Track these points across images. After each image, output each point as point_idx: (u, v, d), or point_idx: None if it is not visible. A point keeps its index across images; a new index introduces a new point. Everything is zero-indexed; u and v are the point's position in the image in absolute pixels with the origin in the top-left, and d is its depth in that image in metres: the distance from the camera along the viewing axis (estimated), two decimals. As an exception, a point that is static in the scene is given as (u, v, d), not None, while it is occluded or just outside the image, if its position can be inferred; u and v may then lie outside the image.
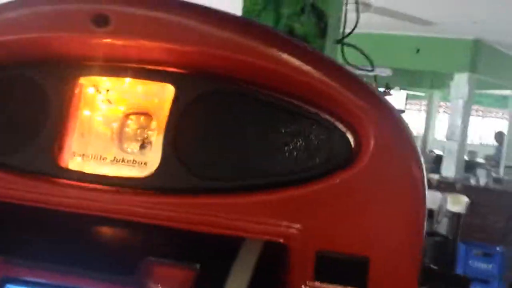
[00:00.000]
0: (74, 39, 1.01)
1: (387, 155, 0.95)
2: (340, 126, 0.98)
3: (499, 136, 11.37)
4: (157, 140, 1.05)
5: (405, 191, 0.95)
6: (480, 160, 11.27)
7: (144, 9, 0.97)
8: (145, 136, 1.09)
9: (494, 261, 5.15)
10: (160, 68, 1.03)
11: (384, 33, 7.95)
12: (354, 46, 1.71)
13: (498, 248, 5.22)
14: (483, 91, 11.82)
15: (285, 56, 0.95)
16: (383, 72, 8.71)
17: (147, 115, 1.10)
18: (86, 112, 1.09)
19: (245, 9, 1.63)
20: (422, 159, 0.96)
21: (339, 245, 0.94)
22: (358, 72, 1.83)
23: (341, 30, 1.77)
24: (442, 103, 13.81)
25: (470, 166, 9.30)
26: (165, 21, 0.97)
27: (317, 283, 0.95)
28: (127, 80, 1.09)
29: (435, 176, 7.39)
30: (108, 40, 0.98)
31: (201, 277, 0.82)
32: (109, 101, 1.10)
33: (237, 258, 0.87)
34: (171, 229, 0.97)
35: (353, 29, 1.74)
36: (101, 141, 1.09)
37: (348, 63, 1.72)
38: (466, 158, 9.13)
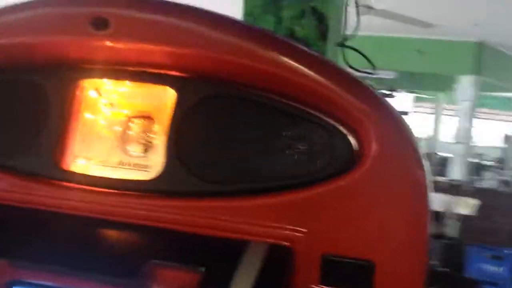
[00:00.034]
0: (74, 42, 1.01)
1: (390, 157, 0.94)
2: (342, 129, 0.97)
3: (507, 139, 11.34)
4: (160, 143, 1.05)
5: (408, 193, 0.94)
6: (488, 162, 11.22)
7: (144, 13, 0.97)
8: (148, 139, 1.08)
9: (504, 264, 5.11)
10: (161, 71, 1.03)
11: (387, 35, 7.96)
12: (355, 49, 1.71)
13: (506, 251, 5.19)
14: (489, 93, 11.78)
15: (286, 59, 0.95)
16: (387, 74, 8.71)
17: (149, 118, 1.10)
18: (87, 115, 1.09)
19: (246, 12, 1.63)
20: (424, 161, 0.96)
21: (344, 248, 0.94)
22: (360, 74, 1.83)
23: (343, 33, 1.77)
24: (447, 106, 13.78)
25: (478, 169, 9.27)
26: (164, 25, 0.97)
27: (322, 287, 0.94)
28: (129, 83, 1.09)
29: (443, 179, 7.37)
30: (108, 43, 0.98)
31: (206, 280, 0.81)
32: (111, 104, 1.10)
33: (241, 261, 0.87)
34: (176, 232, 0.96)
35: (354, 32, 1.74)
36: (103, 144, 1.09)
37: (349, 65, 1.71)
38: (474, 160, 9.11)
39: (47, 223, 1.00)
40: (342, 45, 1.72)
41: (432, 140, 12.24)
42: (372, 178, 0.93)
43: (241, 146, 1.01)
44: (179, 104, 1.02)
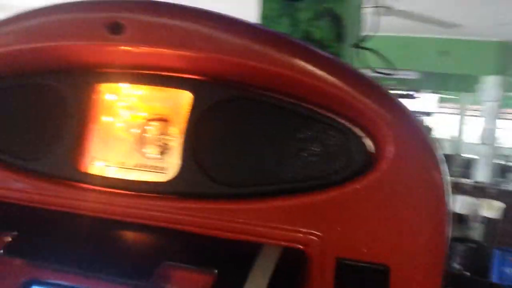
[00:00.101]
0: (90, 47, 1.03)
1: (406, 159, 0.93)
2: (358, 131, 0.96)
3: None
4: (176, 145, 1.06)
5: (425, 196, 0.93)
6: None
7: (158, 17, 0.98)
8: (165, 141, 1.09)
9: (530, 268, 5.00)
10: (177, 74, 1.04)
11: (411, 36, 7.89)
12: (372, 50, 1.70)
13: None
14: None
15: (300, 62, 0.95)
16: (409, 75, 8.63)
17: (166, 121, 1.11)
18: (105, 118, 1.11)
19: (262, 15, 1.63)
20: (442, 163, 0.94)
21: (358, 252, 0.93)
22: (380, 76, 1.82)
23: (360, 34, 1.76)
24: (472, 106, 13.60)
25: (503, 170, 9.12)
26: (179, 28, 0.98)
27: None
28: (145, 87, 1.10)
29: (468, 181, 7.27)
30: (123, 48, 1.00)
31: (219, 282, 0.81)
32: (128, 107, 1.12)
33: (255, 264, 0.87)
34: (190, 234, 0.97)
35: (372, 33, 1.73)
36: (121, 147, 1.10)
37: (368, 67, 1.70)
38: (499, 162, 8.97)
39: (64, 224, 1.02)
40: (358, 46, 1.71)
41: (456, 141, 12.09)
42: (388, 181, 0.92)
43: (256, 149, 1.01)
44: (195, 107, 1.03)
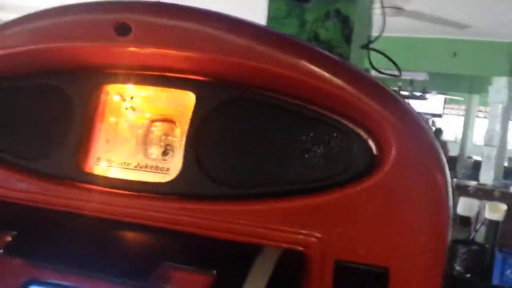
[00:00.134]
0: (97, 47, 1.03)
1: (410, 162, 0.93)
2: (361, 133, 0.96)
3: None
4: (179, 146, 1.06)
5: (428, 199, 0.93)
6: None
7: (165, 18, 0.99)
8: (168, 142, 1.10)
9: (533, 271, 4.99)
10: (182, 76, 1.05)
11: (420, 36, 7.85)
12: (379, 51, 1.69)
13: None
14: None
15: (305, 63, 0.95)
16: (418, 76, 8.59)
17: (171, 121, 1.11)
18: (111, 119, 1.11)
19: (270, 15, 1.63)
20: (446, 167, 0.94)
21: (358, 255, 0.93)
22: (387, 77, 1.81)
23: (368, 35, 1.75)
24: (481, 108, 13.53)
25: (511, 173, 9.07)
26: (185, 30, 0.98)
27: None
28: (151, 88, 1.11)
29: (473, 183, 7.24)
30: (130, 49, 1.00)
31: (218, 283, 0.82)
32: (133, 108, 1.12)
33: (254, 265, 0.87)
34: (190, 234, 0.98)
35: (379, 34, 1.72)
36: (125, 147, 1.11)
37: (374, 68, 1.70)
38: (506, 164, 8.92)
39: (64, 224, 1.03)
40: (366, 47, 1.71)
41: (463, 143, 12.04)
42: (390, 183, 0.92)
43: (258, 150, 1.01)
44: (199, 107, 1.03)
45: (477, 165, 8.92)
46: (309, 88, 0.96)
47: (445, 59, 7.98)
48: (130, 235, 1.03)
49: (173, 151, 1.09)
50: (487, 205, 4.93)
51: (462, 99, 13.41)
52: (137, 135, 1.11)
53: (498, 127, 7.81)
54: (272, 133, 1.01)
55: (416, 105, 10.83)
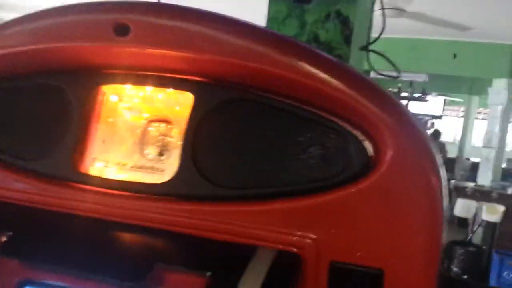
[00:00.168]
0: (96, 48, 1.03)
1: (405, 164, 0.93)
2: (358, 134, 0.97)
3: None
4: (176, 147, 1.06)
5: (422, 201, 0.93)
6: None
7: (164, 19, 0.99)
8: (165, 143, 1.10)
9: (529, 272, 4.99)
10: (180, 76, 1.05)
11: (420, 38, 7.85)
12: (378, 53, 1.69)
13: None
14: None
15: (303, 64, 0.95)
16: (418, 77, 8.59)
17: (168, 122, 1.11)
18: (108, 119, 1.11)
19: (270, 16, 1.63)
20: (441, 169, 0.95)
21: (353, 256, 0.93)
22: (386, 78, 1.81)
23: (369, 36, 1.75)
24: (481, 109, 13.53)
25: (508, 175, 9.07)
26: (183, 30, 0.98)
27: None
28: (149, 88, 1.11)
29: (471, 184, 7.24)
30: (128, 49, 1.00)
31: (212, 284, 0.82)
32: (131, 108, 1.12)
33: (248, 266, 0.87)
34: (185, 236, 0.98)
35: (379, 36, 1.72)
36: (122, 148, 1.11)
37: (373, 69, 1.70)
38: (504, 166, 8.92)
39: (59, 225, 1.03)
40: (366, 48, 1.71)
41: (462, 144, 12.05)
42: (385, 184, 0.93)
43: (255, 151, 1.02)
44: (196, 108, 1.03)
45: (475, 167, 8.93)
46: (306, 90, 0.96)
47: (445, 61, 7.98)
48: (125, 236, 1.03)
49: (169, 151, 1.09)
50: (485, 206, 4.93)
51: (462, 100, 13.42)
52: (134, 135, 1.11)
53: (497, 128, 7.81)
54: (269, 134, 1.02)
55: (416, 106, 10.84)
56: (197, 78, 1.04)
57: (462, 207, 4.99)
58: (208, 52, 0.98)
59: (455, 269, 4.72)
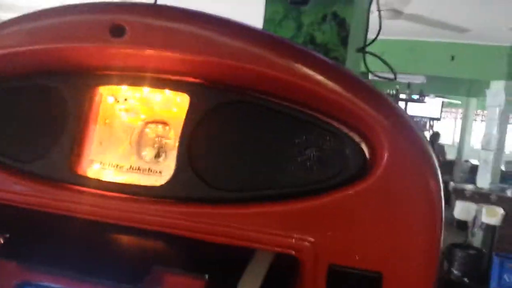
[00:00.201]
0: (92, 49, 1.03)
1: (402, 167, 0.93)
2: (355, 137, 0.97)
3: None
4: (173, 149, 1.06)
5: (420, 203, 0.93)
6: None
7: (159, 20, 0.99)
8: (162, 144, 1.10)
9: (530, 275, 4.98)
10: (176, 78, 1.05)
11: (418, 39, 7.87)
12: (375, 54, 1.69)
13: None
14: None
15: (299, 67, 0.95)
16: (416, 79, 8.61)
17: (165, 123, 1.11)
18: (104, 121, 1.11)
19: (266, 18, 1.63)
20: (438, 171, 0.94)
21: (351, 259, 0.93)
22: (383, 80, 1.81)
23: (365, 38, 1.75)
24: (479, 111, 13.56)
25: (507, 177, 9.08)
26: (179, 32, 0.98)
27: None
28: (146, 89, 1.10)
29: (470, 187, 7.24)
30: (124, 50, 1.00)
31: (210, 287, 0.81)
32: (127, 110, 1.12)
33: (246, 269, 0.87)
34: (183, 238, 0.97)
35: (375, 37, 1.72)
36: (119, 149, 1.11)
37: (370, 71, 1.70)
38: (503, 168, 8.92)
39: (57, 227, 1.02)
40: (362, 50, 1.71)
41: (461, 146, 12.06)
42: (383, 187, 0.93)
43: (252, 153, 1.01)
44: (192, 110, 1.03)
45: (474, 169, 8.93)
46: (303, 92, 0.96)
47: (443, 63, 7.99)
48: (122, 238, 1.03)
49: (166, 153, 1.08)
50: (484, 209, 4.94)
51: (460, 102, 13.44)
52: (131, 137, 1.11)
53: (495, 130, 7.82)
54: (265, 136, 1.01)
55: (414, 108, 10.86)
56: (193, 80, 1.03)
57: (462, 210, 4.99)
58: (204, 54, 0.97)
59: (455, 272, 4.72)
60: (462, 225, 5.17)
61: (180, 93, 1.06)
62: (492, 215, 4.76)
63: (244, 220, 0.96)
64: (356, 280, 0.93)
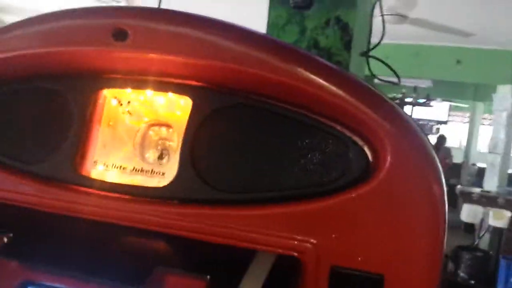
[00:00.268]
0: (95, 52, 1.04)
1: (405, 170, 0.93)
2: (358, 140, 0.97)
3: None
4: (176, 151, 1.07)
5: (423, 207, 0.93)
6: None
7: (162, 24, 1.00)
8: (166, 147, 1.11)
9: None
10: (179, 81, 1.05)
11: (424, 44, 7.85)
12: (378, 59, 1.69)
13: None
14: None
15: (302, 71, 0.96)
16: (422, 83, 8.59)
17: (168, 126, 1.12)
18: (108, 123, 1.12)
19: (270, 22, 1.63)
20: (442, 174, 0.94)
21: (354, 261, 0.93)
22: (387, 84, 1.81)
23: (369, 42, 1.75)
24: (486, 115, 13.49)
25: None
26: (182, 36, 0.99)
27: None
28: (149, 92, 1.11)
29: (477, 190, 7.20)
30: (127, 54, 1.01)
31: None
32: (131, 112, 1.13)
33: (248, 270, 0.87)
34: (185, 239, 0.98)
35: (379, 42, 1.72)
36: (122, 151, 1.12)
37: (373, 75, 1.70)
38: (510, 171, 8.86)
39: (60, 227, 1.03)
40: (366, 54, 1.71)
41: (468, 150, 12.01)
42: (385, 190, 0.93)
43: (255, 156, 1.02)
44: (195, 113, 1.03)
45: (481, 172, 8.87)
46: (306, 96, 0.97)
47: (449, 67, 7.96)
48: (125, 239, 1.03)
49: (168, 155, 1.09)
50: (491, 212, 4.92)
51: (467, 106, 13.39)
52: (134, 139, 1.12)
53: (502, 134, 7.78)
54: (268, 139, 1.02)
55: (421, 112, 10.82)
56: (196, 83, 1.04)
57: (469, 213, 4.97)
58: (206, 57, 0.98)
59: (462, 274, 4.70)
60: (469, 228, 5.15)
61: (183, 96, 1.06)
62: (499, 218, 4.74)
63: (247, 221, 0.97)
64: (358, 282, 0.93)
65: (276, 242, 0.95)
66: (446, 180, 0.96)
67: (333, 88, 0.95)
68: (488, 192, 7.19)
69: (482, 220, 5.13)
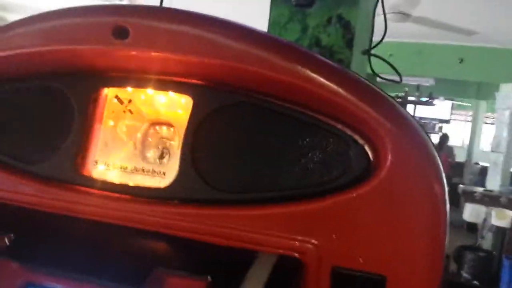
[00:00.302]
0: (95, 50, 1.04)
1: (406, 169, 0.92)
2: (358, 139, 0.96)
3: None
4: (177, 150, 1.06)
5: (424, 206, 0.92)
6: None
7: (163, 22, 0.99)
8: (167, 146, 1.10)
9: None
10: (180, 79, 1.05)
11: (426, 42, 7.85)
12: (380, 57, 1.69)
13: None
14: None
15: (303, 69, 0.95)
16: (425, 81, 8.59)
17: (169, 125, 1.12)
18: (109, 122, 1.12)
19: (271, 21, 1.63)
20: (443, 174, 0.94)
21: (355, 262, 0.92)
22: (389, 83, 1.81)
23: (371, 40, 1.74)
24: (489, 114, 13.49)
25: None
26: (183, 34, 0.98)
27: None
28: (150, 91, 1.11)
29: (480, 189, 7.20)
30: (128, 52, 1.00)
31: None
32: (132, 112, 1.12)
33: (249, 271, 0.87)
34: (185, 240, 0.97)
35: (381, 40, 1.71)
36: (123, 151, 1.11)
37: (375, 73, 1.69)
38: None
39: (60, 227, 1.03)
40: (367, 52, 1.70)
41: (471, 148, 12.01)
42: (386, 189, 0.92)
43: (256, 155, 1.01)
44: (196, 112, 1.03)
45: (484, 171, 8.88)
46: (306, 94, 0.96)
47: (452, 65, 7.97)
48: (125, 239, 1.03)
49: (169, 154, 1.09)
50: (494, 211, 4.91)
51: (469, 104, 13.39)
52: (135, 138, 1.11)
53: (505, 133, 7.77)
54: (269, 138, 1.01)
55: (424, 111, 10.82)
56: (197, 82, 1.04)
57: (471, 212, 4.97)
58: (207, 56, 0.98)
59: (465, 274, 4.69)
60: (472, 228, 5.14)
61: (184, 95, 1.06)
62: (502, 218, 4.73)
63: (247, 222, 0.96)
64: (359, 283, 0.92)
65: (277, 243, 0.94)
66: (448, 179, 0.95)
67: (334, 86, 0.94)
68: (490, 191, 7.19)
69: (484, 220, 5.12)
